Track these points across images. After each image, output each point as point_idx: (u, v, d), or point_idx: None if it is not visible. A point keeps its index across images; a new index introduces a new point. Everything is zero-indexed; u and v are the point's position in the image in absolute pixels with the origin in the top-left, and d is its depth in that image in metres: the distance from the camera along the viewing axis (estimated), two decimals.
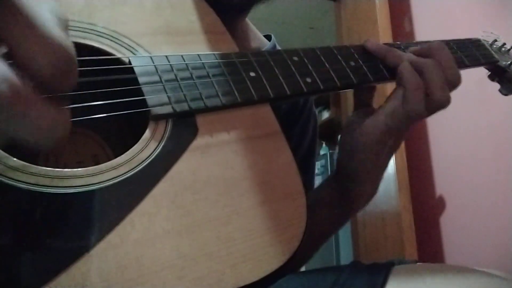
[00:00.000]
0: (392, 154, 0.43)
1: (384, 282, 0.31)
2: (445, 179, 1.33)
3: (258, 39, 0.57)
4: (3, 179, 0.25)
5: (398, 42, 0.47)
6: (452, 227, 1.28)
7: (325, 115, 2.72)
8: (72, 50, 0.20)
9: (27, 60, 0.18)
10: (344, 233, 1.87)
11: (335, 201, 0.46)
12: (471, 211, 1.20)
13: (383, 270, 0.32)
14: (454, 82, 0.41)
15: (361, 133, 0.41)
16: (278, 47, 0.58)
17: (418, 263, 0.41)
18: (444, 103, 0.41)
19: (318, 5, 2.25)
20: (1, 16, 0.18)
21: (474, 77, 0.57)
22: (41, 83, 0.19)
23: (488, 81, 0.55)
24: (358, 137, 0.41)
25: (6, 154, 0.26)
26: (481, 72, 0.56)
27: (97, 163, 0.28)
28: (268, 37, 0.59)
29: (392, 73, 0.43)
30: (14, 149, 0.26)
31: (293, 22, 2.50)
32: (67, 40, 0.19)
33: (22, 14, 0.18)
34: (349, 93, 1.67)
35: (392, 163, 1.34)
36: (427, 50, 0.42)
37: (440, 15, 1.37)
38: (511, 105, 1.04)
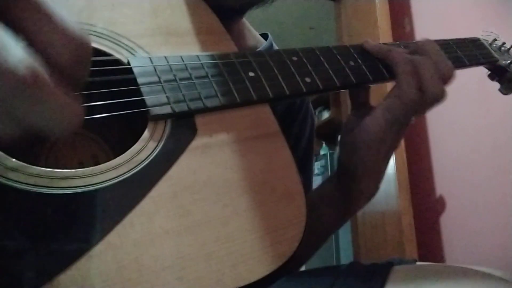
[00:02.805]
0: (392, 152, 0.43)
1: (383, 282, 0.31)
2: (445, 179, 1.33)
3: (254, 38, 0.57)
4: (2, 180, 0.25)
5: (397, 42, 0.47)
6: (452, 227, 1.28)
7: (325, 115, 2.72)
8: (88, 39, 0.20)
9: (46, 46, 0.19)
10: (344, 233, 1.86)
11: (336, 200, 0.46)
12: (471, 211, 1.20)
13: (382, 271, 0.32)
14: (446, 74, 0.42)
15: (360, 131, 0.41)
16: (275, 46, 0.58)
17: (417, 263, 0.42)
18: (439, 96, 0.41)
19: (318, 5, 2.25)
20: (21, 6, 0.18)
21: (474, 77, 0.57)
22: (59, 70, 0.19)
23: (488, 81, 0.55)
24: (357, 134, 0.42)
25: (5, 155, 0.26)
26: (481, 72, 0.56)
27: (97, 163, 0.28)
28: (265, 36, 0.59)
29: (391, 73, 0.43)
30: (16, 147, 0.26)
31: (293, 22, 2.50)
32: (81, 29, 0.20)
33: (40, 4, 0.19)
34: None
35: (392, 163, 1.34)
36: (416, 48, 0.43)
37: (440, 15, 1.37)
38: (511, 105, 1.04)
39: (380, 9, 1.46)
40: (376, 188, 0.44)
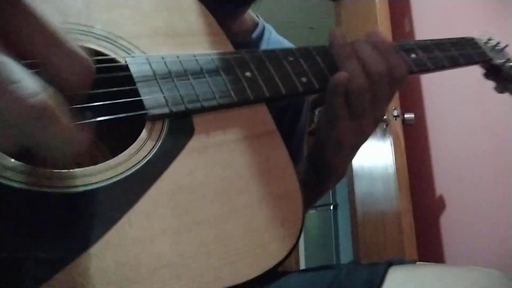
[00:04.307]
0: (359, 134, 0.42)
1: (382, 281, 0.31)
2: (445, 179, 1.33)
3: (252, 19, 0.58)
4: (1, 180, 0.25)
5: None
6: (452, 227, 1.29)
7: None
8: (91, 62, 0.22)
9: (57, 72, 0.21)
10: (344, 233, 1.87)
11: (310, 178, 0.47)
12: (471, 211, 1.20)
13: (381, 269, 0.32)
14: (383, 48, 0.40)
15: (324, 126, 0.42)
16: (268, 27, 0.58)
17: (417, 263, 0.42)
18: (386, 73, 0.39)
19: (318, 5, 2.25)
20: (30, 35, 0.20)
21: (474, 77, 0.57)
22: (67, 90, 0.21)
23: (488, 81, 0.56)
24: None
25: (4, 155, 0.26)
26: (480, 72, 0.57)
27: (95, 163, 0.29)
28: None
29: None
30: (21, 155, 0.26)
31: (293, 22, 2.51)
32: (83, 51, 0.22)
33: (48, 32, 0.21)
34: None
35: (392, 163, 1.34)
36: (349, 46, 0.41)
37: (440, 15, 1.37)
38: (511, 105, 1.04)
39: (380, 9, 1.46)
40: (345, 168, 0.45)
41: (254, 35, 0.56)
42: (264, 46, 0.56)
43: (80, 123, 0.22)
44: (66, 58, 0.21)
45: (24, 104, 0.19)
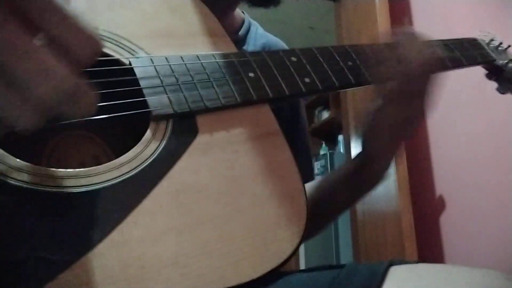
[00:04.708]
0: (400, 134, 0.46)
1: (382, 280, 0.31)
2: (445, 179, 1.33)
3: (240, 18, 0.59)
4: (8, 180, 0.25)
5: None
6: (452, 227, 1.29)
7: (325, 115, 2.72)
8: (98, 35, 0.23)
9: (69, 46, 0.22)
10: (344, 233, 1.87)
11: (351, 178, 0.49)
12: (471, 211, 1.20)
13: (381, 269, 0.32)
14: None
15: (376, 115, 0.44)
16: (254, 23, 0.60)
17: (416, 264, 0.42)
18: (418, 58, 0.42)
19: (318, 5, 2.25)
20: (42, 11, 0.21)
21: (475, 78, 0.57)
22: (79, 63, 0.22)
23: (488, 81, 0.56)
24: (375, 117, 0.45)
25: (9, 155, 0.26)
26: (481, 73, 0.57)
27: (98, 163, 0.29)
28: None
29: None
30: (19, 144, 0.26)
31: (293, 22, 2.51)
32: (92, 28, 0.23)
33: (58, 8, 0.22)
34: (349, 93, 1.68)
35: (392, 163, 1.34)
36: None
37: (440, 15, 1.37)
38: (511, 105, 1.04)
39: (380, 9, 1.46)
40: (387, 169, 0.48)
41: (241, 31, 0.57)
42: (251, 41, 0.57)
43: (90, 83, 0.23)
44: (77, 31, 0.22)
45: (61, 84, 0.20)
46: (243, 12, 0.60)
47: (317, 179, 0.54)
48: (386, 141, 0.46)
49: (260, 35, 0.59)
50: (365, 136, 0.47)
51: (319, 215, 0.51)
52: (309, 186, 0.53)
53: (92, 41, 0.22)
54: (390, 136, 0.45)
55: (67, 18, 0.21)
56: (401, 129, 0.45)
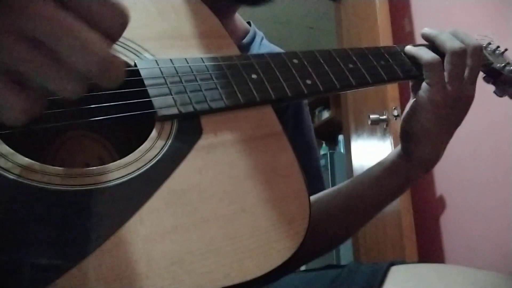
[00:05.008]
0: (454, 124, 0.47)
1: (383, 280, 0.31)
2: (445, 179, 1.33)
3: (243, 26, 0.60)
4: (16, 178, 0.26)
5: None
6: (452, 227, 1.29)
7: (325, 115, 2.73)
8: (125, 6, 0.24)
9: (101, 20, 0.23)
10: None
11: (397, 167, 0.49)
12: (471, 211, 1.20)
13: (382, 269, 0.32)
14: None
15: (418, 96, 0.46)
16: (259, 33, 0.61)
17: (416, 264, 0.43)
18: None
19: (318, 5, 2.25)
20: None
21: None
22: (110, 36, 0.23)
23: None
24: (416, 100, 0.46)
25: (16, 153, 0.27)
26: (480, 74, 0.57)
27: (103, 164, 0.29)
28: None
29: (390, 76, 0.44)
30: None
31: (293, 22, 2.51)
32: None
33: None
34: (349, 94, 1.68)
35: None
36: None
37: (440, 15, 1.37)
38: (511, 105, 1.05)
39: (380, 9, 1.47)
40: (435, 155, 0.48)
41: (246, 39, 0.58)
42: (255, 50, 0.57)
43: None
44: (108, 5, 0.23)
45: (98, 54, 0.22)
46: (250, 23, 0.61)
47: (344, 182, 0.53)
48: (428, 119, 0.45)
49: (264, 45, 0.60)
50: (405, 115, 0.47)
51: (349, 221, 0.50)
52: (331, 192, 0.52)
53: (120, 12, 0.23)
54: (434, 113, 0.45)
55: None
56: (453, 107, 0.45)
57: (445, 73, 0.44)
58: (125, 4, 0.23)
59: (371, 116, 1.36)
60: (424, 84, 0.45)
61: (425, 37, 0.48)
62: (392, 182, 0.49)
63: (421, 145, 0.47)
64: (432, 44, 0.47)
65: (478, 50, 0.45)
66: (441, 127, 0.46)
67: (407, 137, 0.48)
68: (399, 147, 0.50)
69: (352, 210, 0.50)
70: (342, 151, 2.24)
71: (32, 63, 0.21)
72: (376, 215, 0.52)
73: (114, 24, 0.23)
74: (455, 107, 0.46)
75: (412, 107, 0.46)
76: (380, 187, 0.49)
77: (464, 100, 0.46)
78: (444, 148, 0.49)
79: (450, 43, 0.44)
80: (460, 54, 0.44)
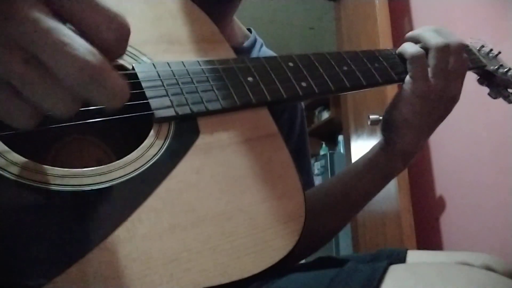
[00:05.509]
0: (435, 120, 0.48)
1: (381, 278, 0.32)
2: (445, 179, 1.33)
3: (242, 33, 0.61)
4: (16, 179, 0.26)
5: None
6: (452, 227, 1.29)
7: (325, 115, 2.73)
8: (125, 18, 0.23)
9: (96, 30, 0.21)
10: (344, 233, 1.87)
11: (378, 159, 0.50)
12: (471, 211, 1.20)
13: (381, 267, 0.33)
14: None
15: (400, 89, 0.47)
16: (259, 40, 0.62)
17: (409, 251, 0.45)
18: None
19: (318, 5, 2.25)
20: None
21: (473, 78, 0.58)
22: (105, 49, 0.22)
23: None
24: (398, 93, 0.47)
25: (15, 154, 0.27)
26: (475, 75, 0.58)
27: (100, 165, 0.30)
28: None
29: (384, 78, 0.45)
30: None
31: (293, 22, 2.51)
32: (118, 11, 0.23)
33: None
34: (349, 94, 1.68)
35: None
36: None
37: (440, 15, 1.37)
38: (511, 105, 1.05)
39: (380, 9, 1.47)
40: (414, 147, 0.49)
41: (246, 43, 0.58)
42: (255, 55, 0.58)
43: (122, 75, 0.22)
44: (103, 15, 0.21)
45: (81, 64, 0.20)
46: (250, 30, 0.62)
47: (337, 173, 0.54)
48: (408, 109, 0.46)
49: (263, 51, 0.61)
50: (388, 107, 0.48)
51: (340, 210, 0.52)
52: (326, 183, 0.54)
53: (118, 24, 0.22)
54: (413, 105, 0.46)
55: (92, 3, 0.21)
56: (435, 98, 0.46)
57: (429, 68, 0.45)
58: (124, 17, 0.22)
59: (370, 117, 1.36)
60: (407, 77, 0.46)
61: (409, 38, 0.49)
62: (372, 174, 0.50)
63: (401, 135, 0.48)
64: (416, 42, 0.48)
65: (461, 48, 0.46)
66: (422, 120, 0.47)
67: (389, 127, 0.49)
68: (381, 139, 0.51)
69: (333, 206, 0.52)
70: (342, 151, 2.24)
71: (22, 78, 0.20)
72: (359, 209, 0.54)
73: (110, 36, 0.21)
74: (438, 103, 0.46)
75: (396, 99, 0.48)
76: (361, 179, 0.51)
77: (447, 99, 0.47)
78: (425, 141, 0.49)
79: (434, 40, 0.45)
80: (443, 50, 0.45)
